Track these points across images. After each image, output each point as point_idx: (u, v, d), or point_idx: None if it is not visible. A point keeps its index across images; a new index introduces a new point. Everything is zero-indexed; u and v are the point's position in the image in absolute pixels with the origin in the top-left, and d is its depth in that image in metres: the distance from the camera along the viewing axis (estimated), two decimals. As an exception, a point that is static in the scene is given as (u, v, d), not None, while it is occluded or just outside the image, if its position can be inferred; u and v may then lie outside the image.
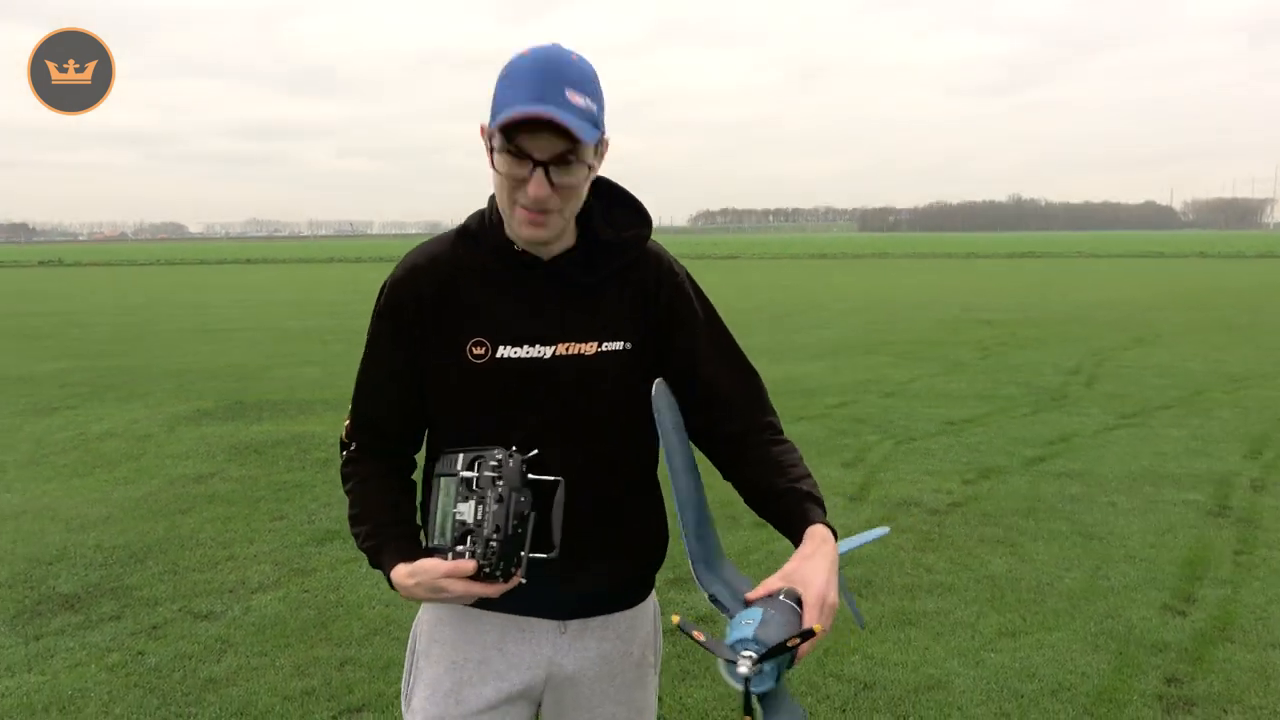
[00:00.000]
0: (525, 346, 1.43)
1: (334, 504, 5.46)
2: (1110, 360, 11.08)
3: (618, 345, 1.47)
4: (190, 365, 11.43)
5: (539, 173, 1.32)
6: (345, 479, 1.53)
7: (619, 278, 1.49)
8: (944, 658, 3.50)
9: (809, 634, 1.19)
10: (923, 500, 5.48)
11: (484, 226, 1.46)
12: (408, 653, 1.58)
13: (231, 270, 45.41)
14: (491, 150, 1.36)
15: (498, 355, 1.42)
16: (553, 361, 1.43)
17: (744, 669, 1.19)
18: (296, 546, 4.76)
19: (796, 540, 1.40)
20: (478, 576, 1.31)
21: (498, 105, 1.33)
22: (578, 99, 1.31)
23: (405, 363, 1.46)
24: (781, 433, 1.55)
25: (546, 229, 1.38)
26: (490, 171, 1.39)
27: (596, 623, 1.53)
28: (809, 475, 1.48)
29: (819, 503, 1.44)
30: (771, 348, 12.53)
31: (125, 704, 3.21)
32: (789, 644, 1.18)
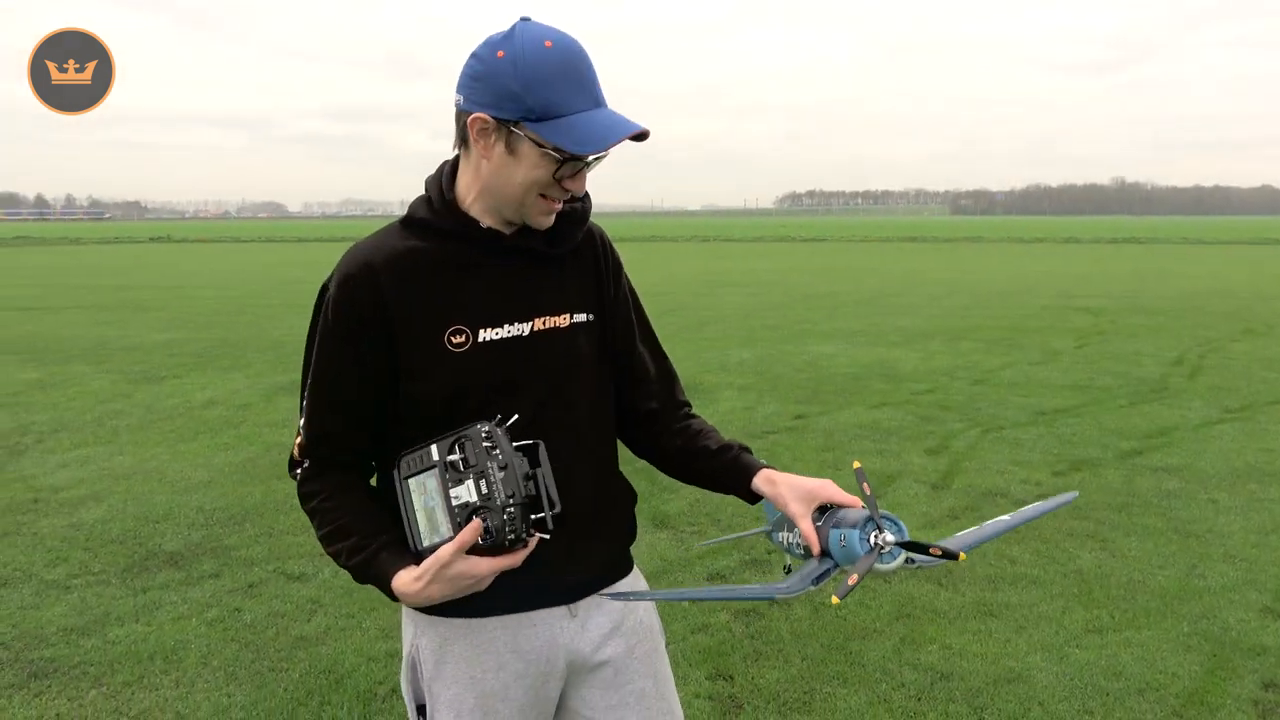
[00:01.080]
0: (505, 326, 1.40)
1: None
2: (1216, 351, 10.57)
3: (584, 317, 1.48)
4: (287, 338, 11.88)
5: (584, 170, 1.35)
6: (306, 499, 1.43)
7: (573, 252, 1.49)
8: (1026, 651, 3.42)
9: (860, 473, 1.34)
10: (1009, 491, 5.34)
11: (436, 212, 1.41)
12: (407, 682, 1.48)
13: (328, 248, 46.84)
14: (505, 144, 1.31)
15: (479, 339, 1.38)
16: (532, 338, 1.42)
17: (890, 536, 1.27)
18: (384, 515, 4.92)
19: (745, 486, 1.48)
20: (500, 550, 1.28)
21: (545, 107, 1.28)
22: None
23: (366, 368, 1.37)
24: (694, 410, 1.63)
25: (555, 214, 1.42)
26: (492, 161, 1.33)
27: (600, 597, 1.52)
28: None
29: (753, 454, 1.52)
30: (859, 331, 12.34)
31: (223, 657, 3.39)
32: (866, 492, 1.30)
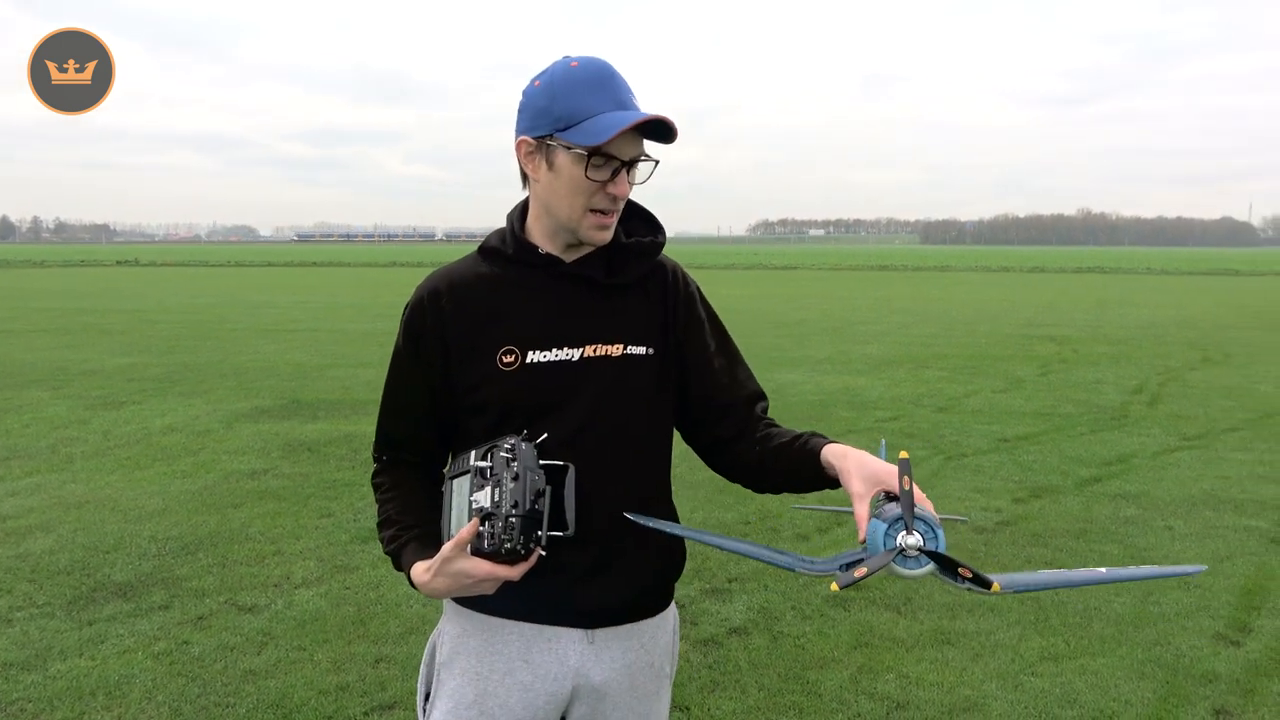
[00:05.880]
0: (554, 350, 1.45)
1: (380, 503, 5.55)
2: (1176, 380, 10.74)
3: (641, 350, 1.50)
4: (252, 364, 11.73)
5: (623, 173, 1.40)
6: (375, 488, 1.57)
7: (640, 286, 1.52)
8: (982, 680, 3.42)
9: (904, 465, 1.19)
10: (970, 518, 5.36)
11: (506, 241, 1.50)
12: (424, 664, 1.56)
13: (298, 272, 46.51)
14: (546, 160, 1.41)
15: (528, 360, 1.44)
16: (582, 364, 1.45)
17: (914, 540, 1.13)
18: (341, 544, 4.85)
19: (815, 464, 1.39)
20: (498, 557, 1.32)
21: (570, 114, 1.36)
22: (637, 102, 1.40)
23: (428, 382, 1.49)
24: (773, 421, 1.59)
25: (610, 229, 1.46)
26: (540, 180, 1.43)
27: (623, 631, 1.52)
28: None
29: (826, 437, 1.46)
30: (826, 359, 12.42)
31: (168, 692, 3.30)
32: (905, 487, 1.16)
